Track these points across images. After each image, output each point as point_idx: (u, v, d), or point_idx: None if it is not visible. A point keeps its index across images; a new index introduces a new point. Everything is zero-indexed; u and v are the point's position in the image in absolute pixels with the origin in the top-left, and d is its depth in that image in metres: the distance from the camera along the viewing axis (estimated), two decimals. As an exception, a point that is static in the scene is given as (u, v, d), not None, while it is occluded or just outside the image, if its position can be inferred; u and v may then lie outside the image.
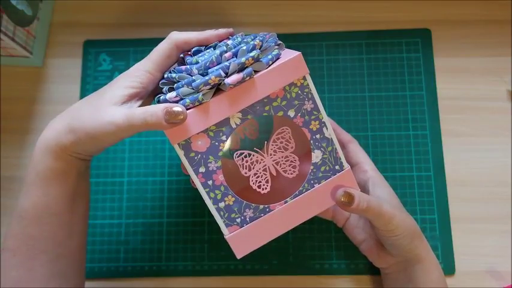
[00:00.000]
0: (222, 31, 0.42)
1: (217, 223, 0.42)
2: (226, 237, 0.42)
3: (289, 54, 0.39)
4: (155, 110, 0.36)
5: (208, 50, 0.41)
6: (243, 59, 0.37)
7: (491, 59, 0.59)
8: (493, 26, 0.61)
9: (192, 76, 0.38)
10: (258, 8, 0.63)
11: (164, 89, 0.40)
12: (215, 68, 0.37)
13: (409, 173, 0.56)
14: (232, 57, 0.38)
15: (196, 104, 0.38)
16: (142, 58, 0.63)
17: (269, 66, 0.38)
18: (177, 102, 0.38)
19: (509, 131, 0.57)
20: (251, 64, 0.38)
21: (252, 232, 0.42)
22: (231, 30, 0.43)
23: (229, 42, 0.40)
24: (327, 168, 0.42)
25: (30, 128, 0.60)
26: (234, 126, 0.39)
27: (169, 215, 0.56)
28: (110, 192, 0.57)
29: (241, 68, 0.37)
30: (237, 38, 0.41)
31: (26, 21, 0.58)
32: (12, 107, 0.61)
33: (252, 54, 0.37)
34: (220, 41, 0.42)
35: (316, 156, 0.42)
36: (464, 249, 0.54)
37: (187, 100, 0.37)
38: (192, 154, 0.39)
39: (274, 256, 0.55)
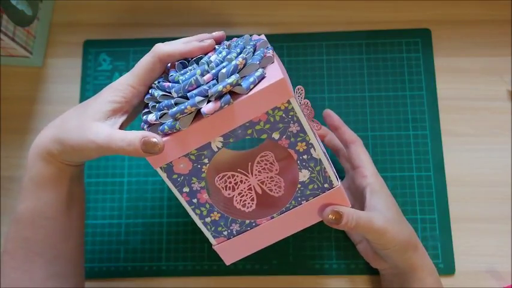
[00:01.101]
0: (207, 42, 0.40)
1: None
2: (213, 247, 0.43)
3: (273, 75, 0.36)
4: (133, 139, 0.36)
5: (190, 67, 0.39)
6: (219, 87, 0.35)
7: (491, 59, 0.59)
8: (493, 26, 0.61)
9: (172, 98, 0.37)
10: (258, 8, 0.63)
11: (150, 105, 0.39)
12: (194, 92, 0.36)
13: (409, 173, 0.56)
14: (213, 80, 0.36)
15: (174, 131, 0.37)
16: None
17: (250, 90, 0.36)
18: (158, 125, 0.38)
19: (509, 131, 0.57)
20: (229, 91, 0.36)
21: (239, 243, 0.43)
22: (220, 34, 0.42)
23: (213, 57, 0.38)
24: (315, 186, 0.41)
25: (30, 128, 0.60)
26: (215, 149, 0.38)
27: (169, 215, 0.56)
28: (110, 192, 0.57)
29: (219, 95, 0.36)
30: (222, 51, 0.39)
31: (26, 21, 0.58)
32: (12, 107, 0.61)
33: (230, 80, 0.35)
34: (206, 53, 0.41)
35: (304, 175, 0.41)
36: (464, 249, 0.54)
37: (166, 127, 0.37)
38: (175, 176, 0.39)
39: (274, 256, 0.55)
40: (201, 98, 0.36)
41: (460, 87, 0.59)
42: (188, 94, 0.36)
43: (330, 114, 0.52)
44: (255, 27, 0.62)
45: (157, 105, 0.38)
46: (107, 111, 0.39)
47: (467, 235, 0.54)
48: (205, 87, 0.36)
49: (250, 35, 0.43)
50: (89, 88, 0.61)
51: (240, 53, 0.38)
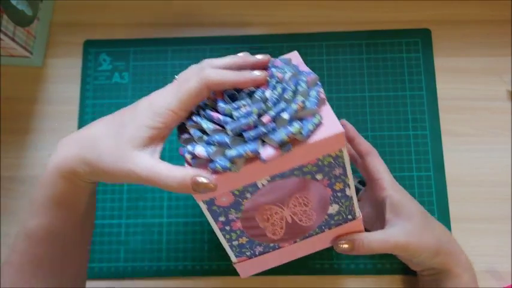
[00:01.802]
0: (261, 76, 0.37)
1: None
2: (234, 264, 0.44)
3: (329, 122, 0.37)
4: (183, 178, 0.34)
5: (244, 101, 0.37)
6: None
7: (491, 59, 0.59)
8: (493, 26, 0.61)
9: (225, 134, 0.36)
10: (258, 8, 0.63)
11: (192, 133, 0.37)
12: (251, 133, 0.35)
13: (409, 173, 0.56)
14: (271, 122, 0.36)
15: (226, 171, 0.36)
16: (142, 58, 0.62)
17: (308, 137, 0.36)
18: (206, 160, 0.37)
19: (509, 131, 0.57)
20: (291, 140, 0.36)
21: (259, 261, 0.44)
22: (266, 58, 0.39)
23: (268, 93, 0.37)
24: (340, 217, 0.43)
25: (30, 128, 0.60)
26: (260, 186, 0.38)
27: (169, 215, 0.56)
28: (110, 192, 0.57)
29: (280, 143, 0.35)
30: (276, 86, 0.37)
31: (26, 21, 0.58)
32: (12, 107, 0.61)
33: (293, 130, 0.35)
34: (257, 86, 0.38)
35: (333, 208, 0.42)
36: (464, 249, 0.54)
37: (218, 166, 0.35)
38: (215, 207, 0.39)
39: (274, 256, 0.55)
40: (259, 142, 0.36)
41: (460, 87, 0.59)
42: (244, 134, 0.35)
43: (345, 124, 0.52)
44: (255, 27, 0.62)
45: (204, 136, 0.37)
46: (146, 137, 0.36)
47: (467, 235, 0.54)
48: (263, 129, 0.35)
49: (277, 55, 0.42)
50: (88, 88, 0.61)
51: (296, 91, 0.37)
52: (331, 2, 0.63)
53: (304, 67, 0.41)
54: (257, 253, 0.44)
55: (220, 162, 0.35)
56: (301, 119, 0.36)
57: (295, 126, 0.35)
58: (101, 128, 0.38)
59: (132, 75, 0.61)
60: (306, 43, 0.61)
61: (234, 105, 0.37)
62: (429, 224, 0.47)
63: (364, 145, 0.51)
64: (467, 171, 0.56)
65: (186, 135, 0.38)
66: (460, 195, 0.56)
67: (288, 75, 0.38)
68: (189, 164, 0.37)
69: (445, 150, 0.57)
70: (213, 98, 0.39)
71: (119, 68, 0.61)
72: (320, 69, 0.60)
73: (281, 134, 0.35)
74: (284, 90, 0.37)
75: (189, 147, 0.37)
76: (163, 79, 0.61)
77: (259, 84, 0.38)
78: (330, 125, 0.37)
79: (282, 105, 0.36)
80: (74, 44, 0.63)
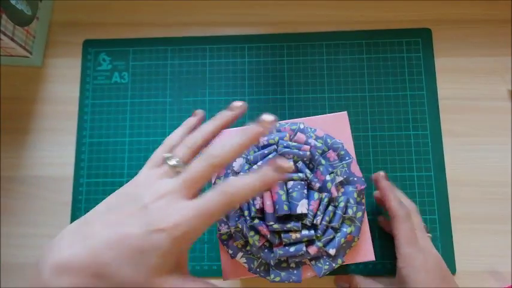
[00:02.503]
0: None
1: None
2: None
3: (364, 247, 0.40)
4: None
5: (294, 225, 0.37)
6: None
7: (491, 59, 0.59)
8: (493, 25, 0.61)
9: (270, 253, 0.38)
10: (258, 8, 0.63)
11: (234, 236, 0.39)
12: (296, 260, 0.37)
13: (410, 173, 0.56)
14: (317, 252, 0.38)
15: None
16: (142, 58, 0.62)
17: (343, 262, 0.39)
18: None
19: (510, 130, 0.57)
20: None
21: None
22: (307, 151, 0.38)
23: (318, 220, 0.37)
24: None
25: (30, 128, 0.60)
26: None
27: (169, 215, 0.56)
28: (109, 192, 0.57)
29: (321, 275, 0.39)
30: (328, 209, 0.37)
31: (26, 21, 0.58)
32: (12, 107, 0.61)
33: (335, 266, 0.38)
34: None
35: None
36: (464, 250, 0.54)
37: (257, 275, 0.38)
38: None
39: (275, 256, 0.55)
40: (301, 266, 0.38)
41: (460, 87, 0.59)
42: (289, 259, 0.38)
43: (379, 181, 0.50)
44: (255, 27, 0.62)
45: (248, 247, 0.38)
46: (174, 262, 0.32)
47: (467, 235, 0.54)
48: (307, 257, 0.37)
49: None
50: (88, 88, 0.61)
51: (345, 213, 0.38)
52: (331, 2, 0.62)
53: (348, 135, 0.42)
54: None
55: (262, 275, 0.37)
56: (343, 244, 0.39)
57: (339, 261, 0.38)
58: (110, 255, 0.32)
59: (132, 75, 0.61)
60: (306, 43, 0.61)
61: (284, 226, 0.37)
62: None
63: (391, 208, 0.48)
64: (467, 171, 0.56)
65: (224, 229, 0.39)
66: (460, 195, 0.56)
67: (339, 179, 0.39)
68: (226, 252, 0.40)
69: (446, 150, 0.57)
70: (261, 207, 0.38)
71: (118, 67, 0.61)
72: (320, 69, 0.60)
73: (324, 269, 0.37)
74: (335, 215, 0.38)
75: (230, 251, 0.38)
76: (163, 79, 0.60)
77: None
78: (364, 249, 0.39)
79: (330, 234, 0.37)
80: (73, 44, 0.62)
